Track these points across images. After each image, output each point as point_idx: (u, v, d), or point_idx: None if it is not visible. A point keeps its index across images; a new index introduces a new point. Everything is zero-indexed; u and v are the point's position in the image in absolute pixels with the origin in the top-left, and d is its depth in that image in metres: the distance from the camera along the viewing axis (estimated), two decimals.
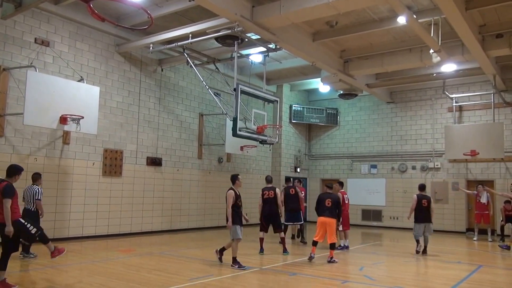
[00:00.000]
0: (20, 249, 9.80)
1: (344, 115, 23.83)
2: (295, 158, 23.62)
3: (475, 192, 17.21)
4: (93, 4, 8.26)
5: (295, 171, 23.35)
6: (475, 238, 17.01)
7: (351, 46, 16.59)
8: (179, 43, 14.32)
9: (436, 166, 20.52)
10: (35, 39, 13.17)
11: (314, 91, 24.05)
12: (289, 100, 23.31)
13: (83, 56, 14.46)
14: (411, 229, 13.90)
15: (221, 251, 10.53)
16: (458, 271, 10.58)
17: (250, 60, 16.09)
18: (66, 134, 13.74)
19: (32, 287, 7.78)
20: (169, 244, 14.18)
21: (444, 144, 18.99)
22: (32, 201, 10.48)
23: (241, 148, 17.94)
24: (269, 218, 12.41)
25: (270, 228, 12.68)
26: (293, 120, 23.34)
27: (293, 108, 23.34)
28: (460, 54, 14.98)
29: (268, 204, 12.46)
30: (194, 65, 15.10)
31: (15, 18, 12.54)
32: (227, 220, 10.09)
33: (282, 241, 12.53)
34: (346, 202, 13.79)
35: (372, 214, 22.01)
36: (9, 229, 7.34)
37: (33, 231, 7.77)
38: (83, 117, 12.20)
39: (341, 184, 13.77)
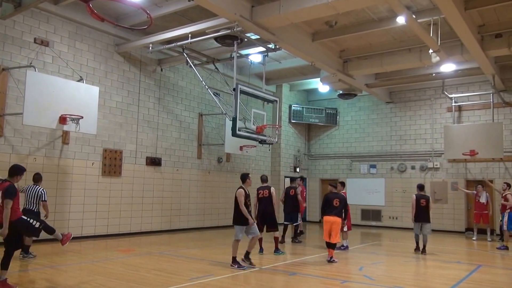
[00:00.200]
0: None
1: (343, 115, 23.85)
2: (294, 158, 23.63)
3: (474, 192, 17.21)
4: (92, 4, 8.26)
5: (295, 171, 23.36)
6: (474, 238, 17.02)
7: (351, 46, 16.60)
8: (179, 43, 14.32)
9: (435, 166, 20.54)
10: (35, 39, 13.17)
11: (314, 91, 24.06)
12: (288, 100, 23.32)
13: (83, 56, 14.46)
14: (410, 229, 14.00)
15: (247, 257, 10.33)
16: (457, 271, 10.59)
17: (249, 60, 16.08)
18: (66, 134, 13.74)
19: (32, 287, 7.78)
20: (168, 244, 14.18)
21: (443, 144, 19.01)
22: (35, 202, 10.43)
23: (241, 148, 17.94)
24: (264, 217, 12.33)
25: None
26: (293, 120, 23.35)
27: (293, 108, 23.35)
28: (459, 54, 15.00)
29: (263, 204, 12.35)
30: (193, 65, 15.10)
31: (14, 18, 12.54)
32: (245, 219, 10.13)
33: (275, 240, 12.42)
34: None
35: (371, 214, 22.02)
36: (4, 232, 7.34)
37: (36, 225, 7.78)
38: (82, 117, 12.19)
39: (343, 184, 13.81)
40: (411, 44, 15.45)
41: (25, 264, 9.83)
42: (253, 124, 14.09)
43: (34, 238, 10.78)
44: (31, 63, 12.55)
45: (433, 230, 19.02)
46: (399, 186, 21.51)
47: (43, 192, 10.53)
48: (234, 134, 12.99)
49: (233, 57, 13.85)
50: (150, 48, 14.86)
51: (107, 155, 14.99)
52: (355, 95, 20.53)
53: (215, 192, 19.12)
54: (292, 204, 14.90)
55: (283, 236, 14.74)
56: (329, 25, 14.29)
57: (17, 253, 9.15)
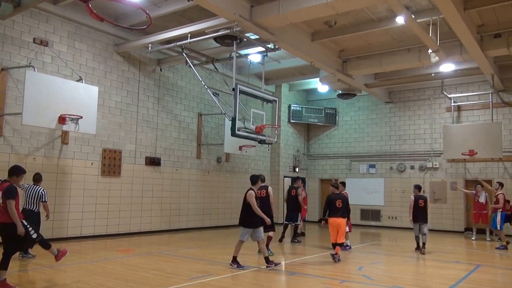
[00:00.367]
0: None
1: (342, 115, 23.85)
2: (293, 158, 23.63)
3: (474, 191, 17.23)
4: (91, 4, 8.26)
5: (294, 171, 23.36)
6: (473, 238, 17.03)
7: (350, 46, 16.60)
8: (178, 43, 14.32)
9: (434, 166, 20.55)
10: (34, 39, 13.16)
11: (313, 91, 24.07)
12: (287, 100, 23.33)
13: (82, 56, 14.45)
14: (409, 228, 14.05)
15: (267, 260, 10.15)
16: (456, 270, 10.60)
17: (248, 60, 16.08)
18: (65, 134, 13.74)
19: (31, 287, 7.78)
20: (168, 244, 14.19)
21: (443, 144, 19.04)
22: (35, 202, 10.43)
23: (240, 148, 17.94)
24: (261, 217, 12.21)
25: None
26: (292, 120, 23.35)
27: (292, 108, 23.35)
28: (459, 54, 15.00)
29: (261, 204, 12.23)
30: (192, 65, 15.10)
31: (13, 18, 12.53)
32: (254, 222, 10.08)
33: (268, 239, 12.25)
34: None
35: (370, 214, 22.03)
36: (21, 229, 7.40)
37: (34, 236, 7.74)
38: (81, 117, 12.19)
39: (344, 184, 13.83)
40: (410, 44, 15.46)
41: (24, 264, 9.84)
42: (252, 124, 14.10)
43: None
44: (30, 63, 12.54)
45: (432, 230, 19.21)
46: (398, 186, 21.52)
47: (43, 193, 10.53)
48: (233, 134, 12.99)
49: (233, 57, 13.86)
50: (150, 48, 14.86)
51: (107, 155, 14.98)
52: (354, 95, 20.53)
53: (214, 192, 19.13)
54: (293, 204, 15.01)
55: (282, 235, 14.81)
56: (329, 25, 14.29)
57: (17, 253, 9.14)
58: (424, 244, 13.28)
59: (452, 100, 19.90)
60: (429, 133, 20.94)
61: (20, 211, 7.93)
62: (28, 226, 7.71)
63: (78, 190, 14.12)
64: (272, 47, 14.18)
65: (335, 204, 11.41)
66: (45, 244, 8.00)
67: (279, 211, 21.25)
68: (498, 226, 15.23)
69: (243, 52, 15.45)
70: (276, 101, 15.14)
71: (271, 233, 12.24)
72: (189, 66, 14.94)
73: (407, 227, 14.55)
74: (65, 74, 13.71)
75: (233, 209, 19.77)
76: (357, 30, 14.43)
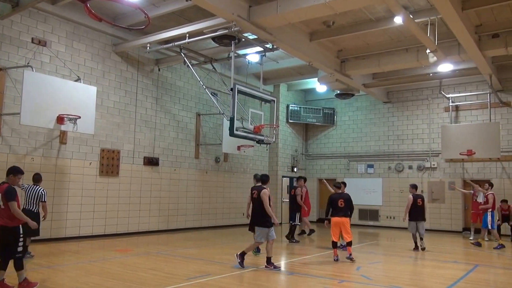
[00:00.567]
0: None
1: (341, 114, 23.86)
2: (292, 157, 23.63)
3: (471, 191, 17.25)
4: (90, 4, 8.25)
5: (292, 170, 23.37)
6: (471, 238, 17.03)
7: (348, 46, 16.61)
8: (176, 43, 14.34)
9: (432, 166, 20.56)
10: (32, 38, 13.15)
11: (311, 91, 24.08)
12: (286, 100, 23.33)
13: (80, 56, 14.44)
14: (407, 228, 14.02)
15: (268, 261, 10.08)
16: (454, 270, 10.61)
17: (247, 60, 16.11)
18: (63, 134, 13.73)
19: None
20: (166, 243, 14.19)
21: (441, 144, 19.04)
22: (35, 202, 10.46)
23: (238, 148, 17.96)
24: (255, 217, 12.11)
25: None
26: (290, 120, 23.35)
27: (290, 108, 23.35)
28: (457, 54, 15.02)
29: (255, 204, 12.10)
30: (191, 65, 15.11)
31: (12, 18, 12.52)
32: (269, 220, 10.01)
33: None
34: None
35: (368, 214, 22.05)
36: (32, 223, 7.52)
37: (18, 249, 7.52)
38: (80, 117, 12.19)
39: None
40: (409, 44, 15.48)
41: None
42: (251, 124, 14.10)
43: (32, 238, 10.81)
44: (28, 63, 12.53)
45: (431, 230, 19.26)
46: (397, 186, 21.54)
47: (43, 193, 10.56)
48: (231, 134, 13.00)
49: (231, 57, 13.88)
50: (148, 48, 14.86)
51: (105, 155, 14.98)
52: (353, 95, 20.54)
53: (212, 192, 19.13)
54: (292, 204, 15.17)
55: (291, 234, 15.17)
56: (327, 25, 14.30)
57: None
58: (422, 239, 13.58)
59: (450, 100, 19.92)
60: (427, 133, 20.96)
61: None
62: (21, 236, 7.54)
63: (76, 190, 14.11)
64: (270, 47, 14.20)
65: (338, 204, 11.45)
66: (20, 264, 7.68)
67: (277, 211, 21.24)
68: (489, 225, 15.26)
69: (241, 52, 15.47)
70: (274, 101, 15.17)
71: None
72: (188, 66, 14.95)
73: (405, 227, 14.54)
74: (63, 74, 13.70)
75: (231, 209, 19.83)
76: (355, 30, 14.45)
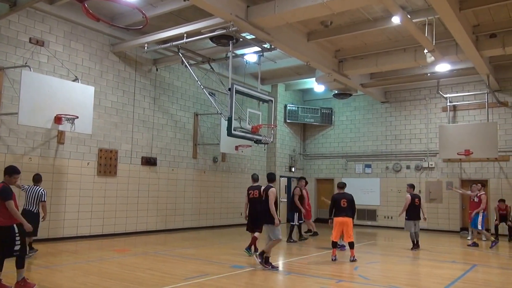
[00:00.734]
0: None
1: (338, 114, 23.87)
2: (289, 157, 23.64)
3: (469, 191, 17.22)
4: (87, 3, 8.25)
5: (290, 170, 23.38)
6: (469, 238, 17.05)
7: (346, 46, 16.63)
8: (174, 43, 14.34)
9: (430, 166, 20.58)
10: (30, 38, 13.13)
11: (309, 90, 24.09)
12: (283, 100, 23.33)
13: (78, 55, 14.43)
14: (404, 228, 14.08)
15: (266, 260, 10.00)
16: (452, 270, 10.62)
17: (244, 59, 16.10)
18: (61, 134, 13.71)
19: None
20: (164, 243, 14.18)
21: (438, 144, 19.07)
22: (35, 203, 10.56)
23: (236, 147, 17.95)
24: (252, 218, 12.10)
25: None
26: (288, 119, 23.35)
27: (288, 107, 23.35)
28: (454, 54, 15.04)
29: (252, 204, 12.00)
30: (189, 64, 15.11)
31: (9, 18, 12.49)
32: (272, 219, 9.98)
33: (252, 240, 11.94)
34: None
35: (366, 214, 22.05)
36: (28, 226, 7.44)
37: (16, 248, 7.47)
38: (77, 117, 12.19)
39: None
40: (406, 44, 15.49)
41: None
42: (249, 123, 14.10)
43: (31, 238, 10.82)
44: (26, 63, 12.52)
45: (428, 230, 19.30)
46: (394, 186, 21.56)
47: (43, 193, 10.66)
48: (229, 133, 13.00)
49: (229, 57, 13.87)
50: (146, 48, 14.85)
51: (103, 155, 14.96)
52: (350, 95, 20.55)
53: (210, 192, 19.12)
54: (291, 204, 15.20)
55: (300, 233, 15.56)
56: (324, 25, 14.31)
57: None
58: (418, 242, 13.77)
59: (448, 100, 19.94)
60: (425, 133, 20.98)
61: (20, 212, 7.92)
62: (17, 234, 7.42)
63: (74, 190, 14.10)
64: (268, 47, 14.21)
65: (340, 204, 11.50)
66: (21, 262, 7.64)
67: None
68: (479, 226, 15.26)
69: (239, 52, 15.48)
70: (272, 101, 15.18)
71: (256, 234, 11.92)
72: (185, 66, 14.96)
73: (403, 226, 14.56)
74: (61, 74, 13.69)
75: (229, 209, 19.82)
76: (353, 30, 14.45)
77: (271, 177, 10.62)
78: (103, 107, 15.02)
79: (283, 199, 21.84)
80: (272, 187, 10.31)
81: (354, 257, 11.26)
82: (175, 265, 10.36)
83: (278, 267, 10.16)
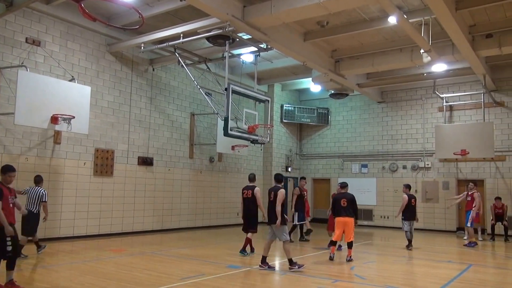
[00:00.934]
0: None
1: (335, 114, 23.89)
2: (286, 157, 23.65)
3: (464, 193, 17.15)
4: (84, 3, 8.23)
5: (286, 170, 23.38)
6: (465, 237, 17.07)
7: (342, 46, 16.64)
8: (171, 43, 14.33)
9: (426, 166, 20.62)
10: (26, 38, 13.11)
11: (305, 90, 24.10)
12: (280, 100, 23.34)
13: (74, 55, 14.41)
14: (403, 228, 14.08)
15: (263, 261, 10.00)
16: (448, 270, 10.64)
17: (241, 59, 16.11)
18: (57, 134, 13.69)
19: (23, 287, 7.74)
20: (160, 243, 14.17)
21: (435, 144, 19.11)
22: (36, 203, 10.68)
23: (232, 147, 17.95)
24: (246, 218, 12.07)
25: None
26: (284, 119, 23.36)
27: (284, 107, 23.36)
28: (451, 54, 15.07)
29: (246, 204, 11.98)
30: (185, 64, 15.10)
31: (6, 18, 12.46)
32: (275, 219, 9.92)
33: (246, 240, 12.00)
34: None
35: (363, 213, 22.03)
36: (8, 229, 7.16)
37: (8, 248, 7.40)
38: (74, 117, 12.18)
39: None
40: (403, 44, 15.52)
41: (16, 264, 9.76)
42: (245, 123, 14.11)
43: (29, 238, 10.81)
44: (22, 63, 12.50)
45: (425, 230, 19.34)
46: (391, 186, 21.59)
47: (44, 193, 10.78)
48: (226, 133, 13.00)
49: (225, 56, 13.88)
50: (142, 47, 14.84)
51: (99, 155, 14.94)
52: (347, 94, 20.58)
53: (207, 192, 19.12)
54: (295, 204, 15.20)
55: (300, 234, 15.58)
56: (321, 25, 14.32)
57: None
58: (410, 241, 13.90)
59: (444, 100, 19.98)
60: (421, 133, 21.02)
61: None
62: (7, 237, 7.24)
63: (71, 190, 14.08)
64: (265, 47, 14.21)
65: (340, 203, 11.53)
66: (12, 264, 7.57)
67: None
68: (469, 223, 15.37)
69: (235, 52, 15.48)
70: (268, 101, 15.17)
71: (249, 235, 11.93)
72: (182, 66, 14.94)
73: (399, 226, 14.61)
74: (58, 74, 13.67)
75: (225, 209, 19.82)
76: (349, 30, 14.47)
77: (278, 178, 10.52)
78: (99, 107, 15.00)
79: None
80: (280, 187, 10.25)
81: (350, 257, 11.29)
82: (172, 265, 10.36)
83: (274, 267, 10.17)
